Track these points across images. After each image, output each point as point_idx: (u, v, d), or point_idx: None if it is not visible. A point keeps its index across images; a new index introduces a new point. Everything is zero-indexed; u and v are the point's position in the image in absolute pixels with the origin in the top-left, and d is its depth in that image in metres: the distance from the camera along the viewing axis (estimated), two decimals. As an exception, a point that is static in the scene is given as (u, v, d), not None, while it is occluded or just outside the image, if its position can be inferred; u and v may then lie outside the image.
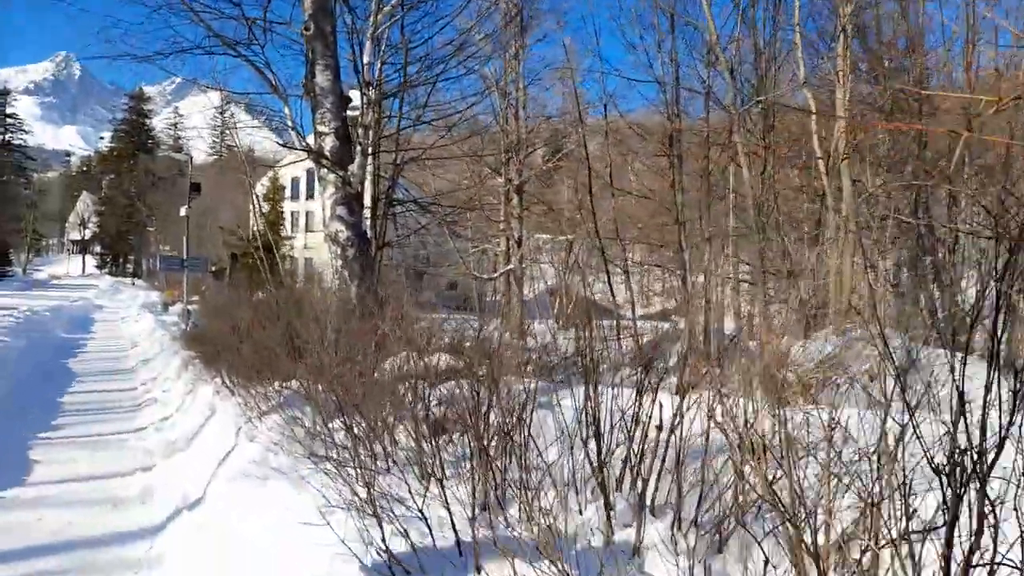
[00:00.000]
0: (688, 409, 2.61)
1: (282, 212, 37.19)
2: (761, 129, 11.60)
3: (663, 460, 2.63)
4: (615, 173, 15.05)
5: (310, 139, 9.54)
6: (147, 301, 37.80)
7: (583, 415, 2.75)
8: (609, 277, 13.09)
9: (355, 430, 3.63)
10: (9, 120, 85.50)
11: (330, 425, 4.34)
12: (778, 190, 11.72)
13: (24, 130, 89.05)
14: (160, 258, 18.03)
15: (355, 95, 10.46)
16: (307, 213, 42.64)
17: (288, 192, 40.94)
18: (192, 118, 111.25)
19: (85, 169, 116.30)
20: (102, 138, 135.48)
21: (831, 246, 10.10)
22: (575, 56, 15.96)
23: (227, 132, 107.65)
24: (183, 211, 21.66)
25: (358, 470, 2.94)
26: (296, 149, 9.33)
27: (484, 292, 28.44)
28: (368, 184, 10.27)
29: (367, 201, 10.86)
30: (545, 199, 24.71)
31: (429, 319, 6.57)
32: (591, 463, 2.70)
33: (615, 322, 11.35)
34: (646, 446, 2.66)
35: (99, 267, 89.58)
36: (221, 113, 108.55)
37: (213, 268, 18.13)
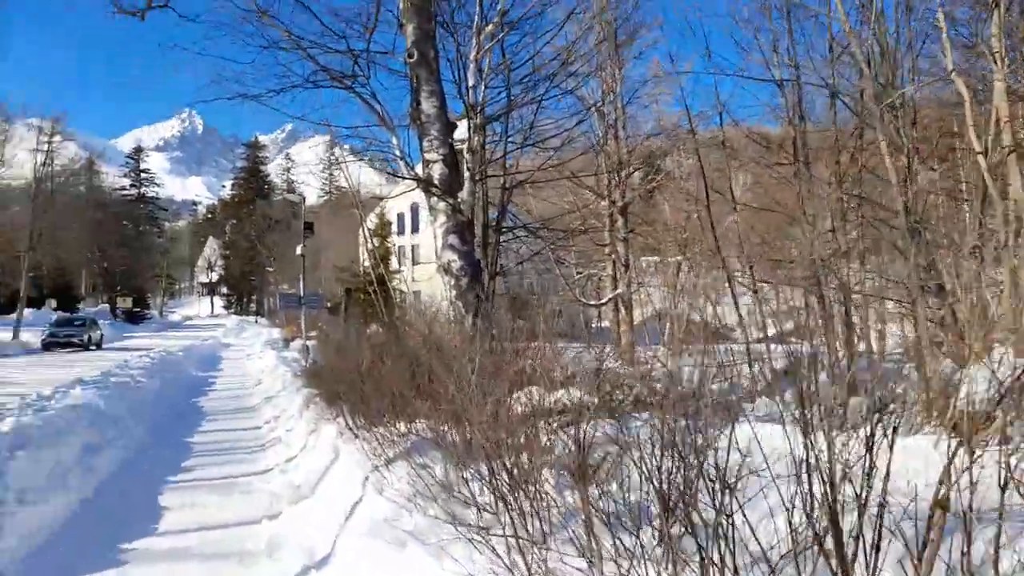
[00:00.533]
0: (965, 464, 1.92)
1: (390, 247, 38.22)
2: (902, 127, 10.46)
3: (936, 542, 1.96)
4: (722, 186, 14.14)
5: (418, 168, 9.43)
6: (269, 338, 39.74)
7: (803, 472, 2.10)
8: (735, 298, 12.18)
9: (496, 481, 3.18)
10: (144, 175, 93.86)
11: (464, 474, 3.94)
12: (929, 192, 10.48)
13: (156, 183, 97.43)
14: (279, 296, 18.65)
15: (461, 125, 10.34)
16: (413, 247, 43.68)
17: (395, 227, 42.05)
18: (302, 165, 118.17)
19: (210, 216, 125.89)
20: (224, 186, 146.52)
21: (999, 255, 8.80)
22: (670, 68, 15.36)
23: (335, 173, 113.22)
24: (298, 250, 22.58)
25: (508, 539, 2.46)
26: (406, 178, 9.22)
27: (590, 319, 27.81)
28: (478, 211, 10.06)
29: (477, 229, 10.67)
30: (648, 219, 23.91)
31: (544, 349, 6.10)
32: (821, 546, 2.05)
33: (736, 347, 10.48)
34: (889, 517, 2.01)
35: (225, 307, 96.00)
36: (329, 155, 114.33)
37: (328, 304, 18.58)
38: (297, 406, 9.65)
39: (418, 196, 43.24)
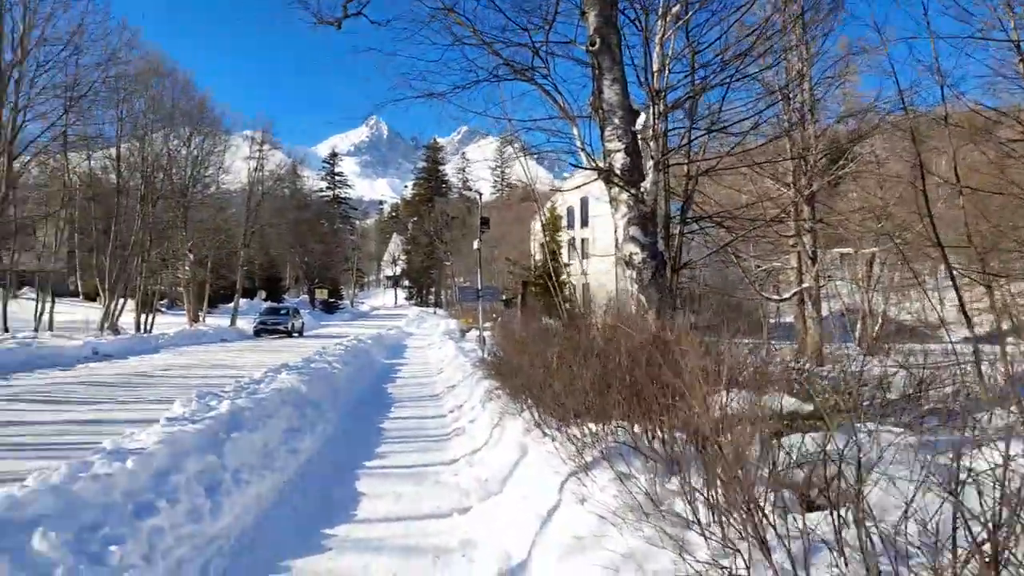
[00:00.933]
0: None
1: (560, 241, 38.48)
2: None
3: None
4: (921, 167, 12.27)
5: (599, 160, 9.12)
6: (447, 329, 41.69)
7: None
8: (959, 292, 10.53)
9: (713, 498, 2.80)
10: (338, 178, 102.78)
11: (667, 484, 3.57)
12: None
13: (348, 185, 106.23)
14: (458, 289, 19.30)
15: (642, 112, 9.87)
16: (583, 240, 43.65)
17: (564, 221, 42.22)
18: (476, 163, 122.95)
19: (394, 215, 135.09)
20: (406, 187, 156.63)
21: None
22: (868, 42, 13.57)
23: (506, 170, 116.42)
24: (475, 244, 23.27)
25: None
26: (586, 169, 8.94)
27: (768, 314, 25.91)
28: (660, 201, 9.54)
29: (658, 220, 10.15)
30: (835, 208, 21.73)
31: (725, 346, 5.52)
32: None
33: (951, 346, 9.00)
34: None
35: (407, 299, 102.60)
36: (501, 152, 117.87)
37: (504, 297, 18.94)
38: (479, 397, 9.78)
39: (588, 190, 42.97)
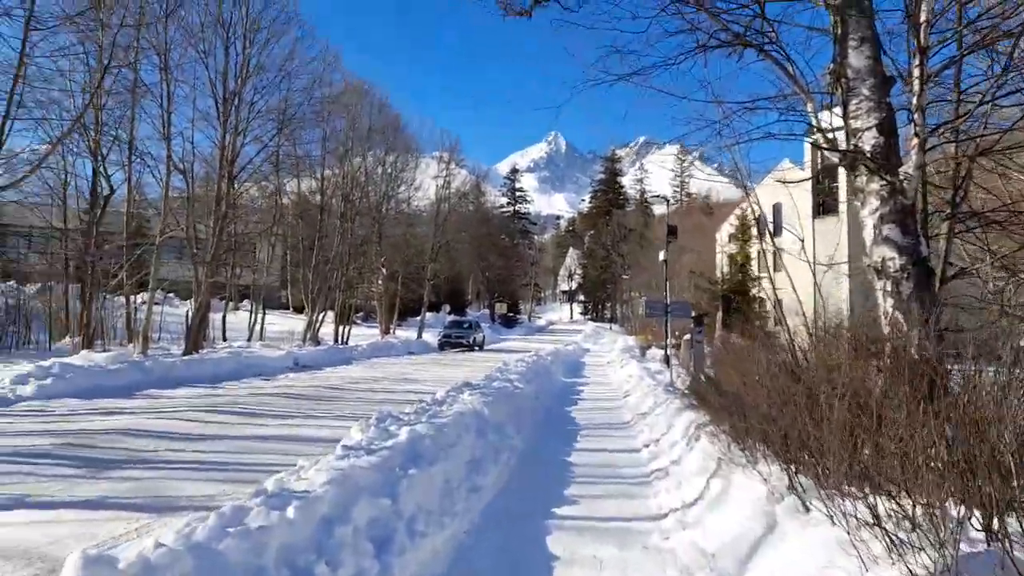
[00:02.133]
0: None
1: (749, 253, 35.32)
2: None
3: None
4: None
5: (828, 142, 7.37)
6: (625, 345, 40.09)
7: None
8: None
9: None
10: (518, 194, 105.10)
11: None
12: None
13: (527, 200, 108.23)
14: (646, 303, 17.83)
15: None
16: (775, 251, 39.85)
17: (754, 231, 38.74)
18: (655, 171, 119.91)
19: (571, 229, 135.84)
20: (583, 200, 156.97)
21: None
22: None
23: (685, 180, 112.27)
24: (661, 255, 21.69)
25: None
26: (826, 149, 7.23)
27: None
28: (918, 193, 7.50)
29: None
30: None
31: None
32: None
33: None
34: None
35: (582, 313, 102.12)
36: (680, 162, 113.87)
37: (694, 313, 17.24)
38: (679, 431, 8.37)
39: (783, 194, 39.16)
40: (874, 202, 6.79)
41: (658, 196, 28.39)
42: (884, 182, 6.71)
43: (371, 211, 37.52)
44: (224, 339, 27.69)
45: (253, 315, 29.55)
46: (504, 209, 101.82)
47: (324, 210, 30.89)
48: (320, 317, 31.94)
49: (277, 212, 28.70)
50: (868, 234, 6.86)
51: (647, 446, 8.80)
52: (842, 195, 38.57)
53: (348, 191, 31.71)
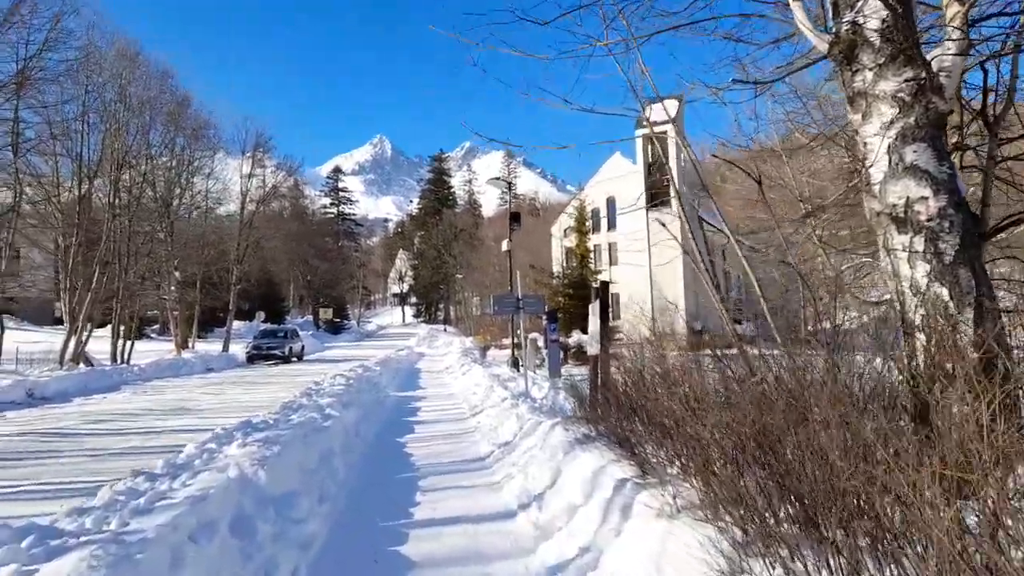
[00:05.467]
0: None
1: (588, 246, 33.95)
2: None
3: None
4: None
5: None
6: (463, 347, 37.23)
7: None
8: None
9: None
10: (342, 193, 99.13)
11: None
12: None
13: (352, 200, 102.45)
14: (493, 299, 14.95)
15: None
16: (610, 245, 39.21)
17: (590, 223, 37.66)
18: (481, 175, 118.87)
19: (400, 231, 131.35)
20: (411, 201, 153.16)
21: None
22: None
23: (512, 182, 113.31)
24: (505, 245, 19.04)
25: None
26: (811, 37, 4.56)
27: None
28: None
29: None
30: None
31: None
32: None
33: None
34: None
35: (415, 316, 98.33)
36: (508, 162, 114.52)
37: (548, 308, 14.72)
38: (576, 472, 5.39)
39: (615, 189, 39.15)
40: (886, 111, 4.23)
41: (502, 178, 25.82)
42: (905, 77, 4.18)
43: (157, 203, 31.31)
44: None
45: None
46: (327, 210, 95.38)
47: (84, 198, 24.62)
48: (88, 332, 25.58)
49: (17, 204, 22.19)
50: (877, 164, 4.30)
51: (524, 505, 5.72)
52: (672, 190, 38.81)
53: (117, 176, 25.62)
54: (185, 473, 4.96)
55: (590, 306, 9.32)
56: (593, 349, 8.80)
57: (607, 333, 8.45)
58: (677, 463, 4.31)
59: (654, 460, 4.76)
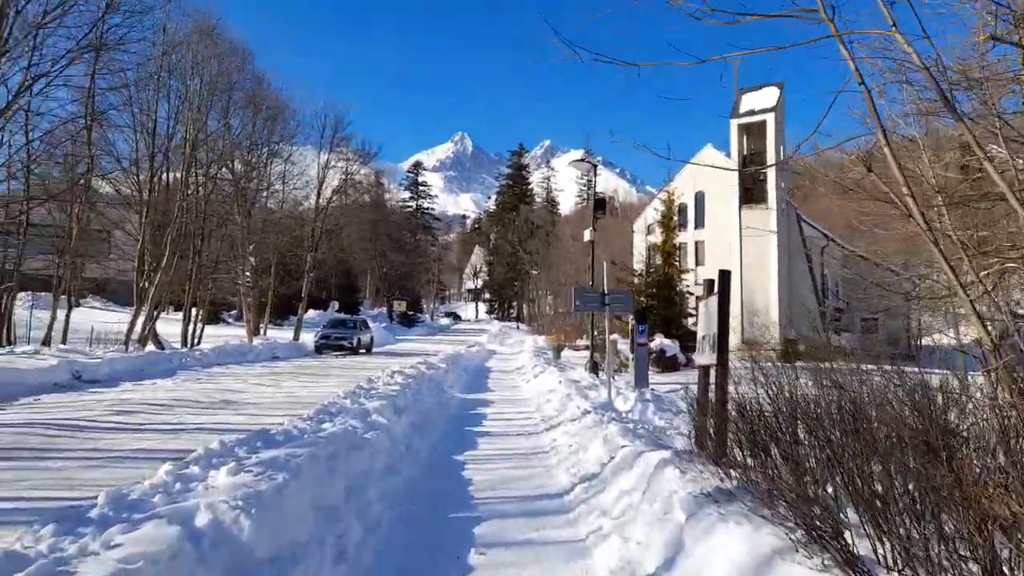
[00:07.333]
0: None
1: (675, 244, 31.23)
2: None
3: None
4: None
5: None
6: (535, 347, 35.40)
7: None
8: None
9: None
10: (421, 188, 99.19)
11: None
12: None
13: (431, 195, 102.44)
14: (576, 292, 12.98)
15: None
16: (696, 244, 36.37)
17: (676, 219, 34.98)
18: (560, 173, 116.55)
19: (477, 227, 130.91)
20: (489, 199, 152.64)
21: None
22: None
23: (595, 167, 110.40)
24: (587, 235, 17.01)
25: None
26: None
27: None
28: None
29: None
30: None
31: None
32: None
33: None
34: None
35: (488, 312, 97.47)
36: (588, 159, 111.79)
37: (638, 307, 12.69)
38: (734, 570, 3.43)
39: (707, 182, 36.18)
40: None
41: (580, 160, 23.85)
42: None
43: (233, 184, 30.94)
44: (9, 341, 20.74)
45: (53, 311, 22.51)
46: (406, 204, 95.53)
47: (155, 175, 24.15)
48: (157, 314, 25.23)
49: (89, 174, 21.86)
50: None
51: (612, 562, 3.81)
52: (771, 182, 35.55)
53: (192, 150, 25.09)
54: (120, 524, 3.29)
55: (702, 303, 7.30)
56: (705, 358, 6.75)
57: (726, 338, 6.39)
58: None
59: (867, 556, 2.75)
